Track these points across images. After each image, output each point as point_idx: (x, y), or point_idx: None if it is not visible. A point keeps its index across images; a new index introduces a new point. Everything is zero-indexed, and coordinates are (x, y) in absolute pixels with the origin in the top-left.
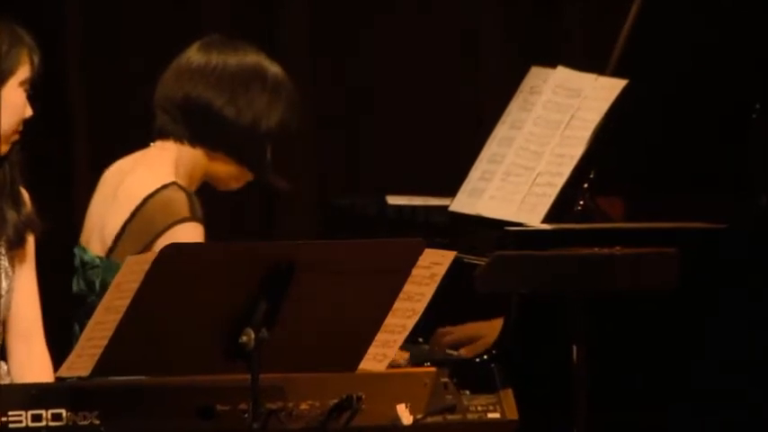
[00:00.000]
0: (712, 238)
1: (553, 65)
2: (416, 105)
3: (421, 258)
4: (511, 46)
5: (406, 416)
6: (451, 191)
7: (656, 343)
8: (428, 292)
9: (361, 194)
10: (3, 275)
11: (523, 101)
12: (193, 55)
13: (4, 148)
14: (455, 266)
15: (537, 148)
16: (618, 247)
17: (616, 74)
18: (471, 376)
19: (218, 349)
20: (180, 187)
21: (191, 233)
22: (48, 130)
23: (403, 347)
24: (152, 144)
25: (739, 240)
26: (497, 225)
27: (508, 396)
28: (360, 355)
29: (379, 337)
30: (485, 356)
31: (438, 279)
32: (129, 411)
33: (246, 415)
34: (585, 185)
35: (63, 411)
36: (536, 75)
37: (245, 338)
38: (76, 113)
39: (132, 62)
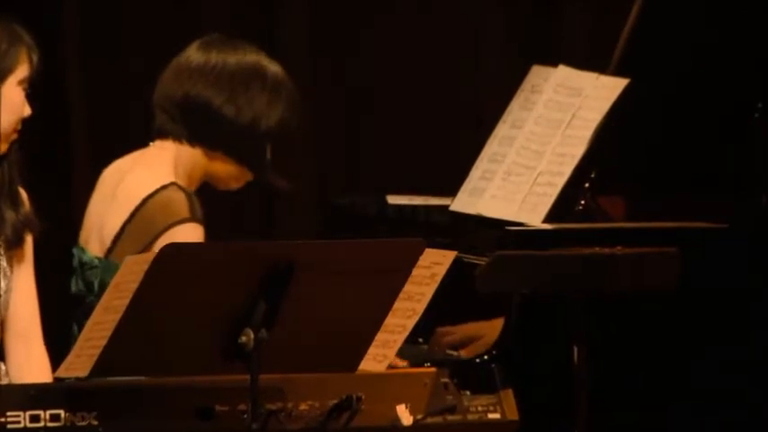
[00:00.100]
0: (713, 237)
1: (553, 65)
2: (416, 105)
3: (421, 258)
4: (511, 46)
5: (406, 416)
6: (452, 190)
7: (657, 343)
8: (428, 291)
9: (361, 194)
10: (1, 275)
11: (524, 100)
12: (193, 54)
13: (3, 148)
14: (455, 266)
15: (538, 147)
16: (619, 247)
17: (617, 74)
18: (472, 376)
19: (218, 349)
20: (179, 187)
21: (190, 234)
22: (47, 130)
23: (403, 348)
24: (151, 143)
25: (739, 240)
26: (498, 225)
27: (508, 396)
28: (360, 356)
29: (379, 337)
30: (485, 357)
31: (438, 279)
32: (127, 412)
33: (246, 415)
34: (587, 185)
35: (61, 412)
36: (537, 73)
37: (244, 339)
38: (76, 113)
39: (132, 62)
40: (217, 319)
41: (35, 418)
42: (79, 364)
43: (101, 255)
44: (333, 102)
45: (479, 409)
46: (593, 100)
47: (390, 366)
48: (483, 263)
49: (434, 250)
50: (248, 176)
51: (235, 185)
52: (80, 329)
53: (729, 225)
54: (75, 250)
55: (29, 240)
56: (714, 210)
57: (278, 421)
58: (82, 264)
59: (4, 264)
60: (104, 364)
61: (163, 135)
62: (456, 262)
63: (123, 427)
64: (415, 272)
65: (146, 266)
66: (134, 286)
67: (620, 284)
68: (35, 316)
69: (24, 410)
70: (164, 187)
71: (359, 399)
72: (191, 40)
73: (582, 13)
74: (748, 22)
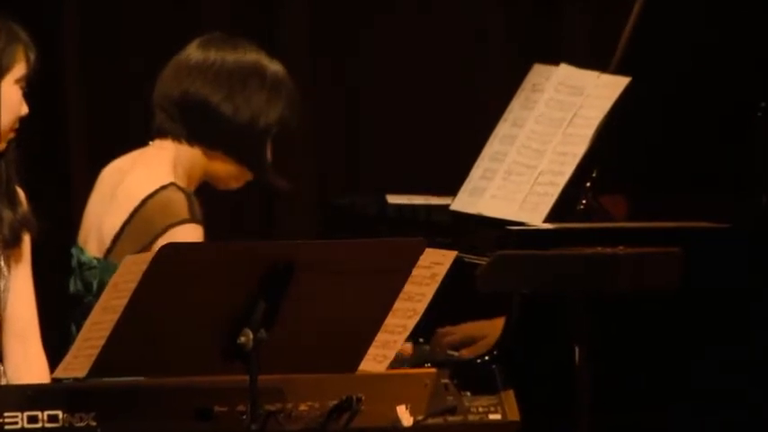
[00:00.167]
0: (715, 237)
1: (554, 64)
2: (416, 105)
3: (422, 258)
4: (511, 46)
5: (406, 417)
6: (452, 190)
7: (658, 343)
8: (429, 292)
9: (361, 194)
10: None
11: (525, 99)
12: (192, 52)
13: (1, 146)
14: (456, 266)
15: (539, 146)
16: (621, 247)
17: (618, 74)
18: (472, 377)
19: (217, 350)
20: (179, 188)
21: (190, 234)
22: (46, 129)
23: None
24: (150, 143)
25: (740, 240)
26: (499, 224)
27: (509, 397)
28: (360, 356)
29: (380, 337)
30: (486, 357)
31: (439, 279)
32: (126, 413)
33: (245, 416)
34: (588, 184)
35: (59, 413)
36: (538, 72)
37: (243, 339)
38: (75, 112)
39: (132, 62)
40: (216, 320)
41: (33, 419)
42: (77, 364)
43: (99, 255)
44: (333, 102)
45: (480, 409)
46: (594, 99)
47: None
48: (484, 263)
49: (435, 250)
50: (248, 176)
51: (234, 185)
52: (78, 330)
53: (731, 225)
54: (73, 250)
55: (27, 240)
56: (714, 209)
57: (277, 422)
58: (80, 264)
59: (2, 264)
60: (103, 364)
61: (162, 134)
62: (456, 262)
63: (122, 427)
64: (415, 272)
65: (144, 266)
66: (132, 286)
67: (622, 284)
68: (33, 316)
69: (22, 411)
70: (163, 188)
71: (359, 399)
72: (191, 39)
73: (582, 13)
74: (748, 22)
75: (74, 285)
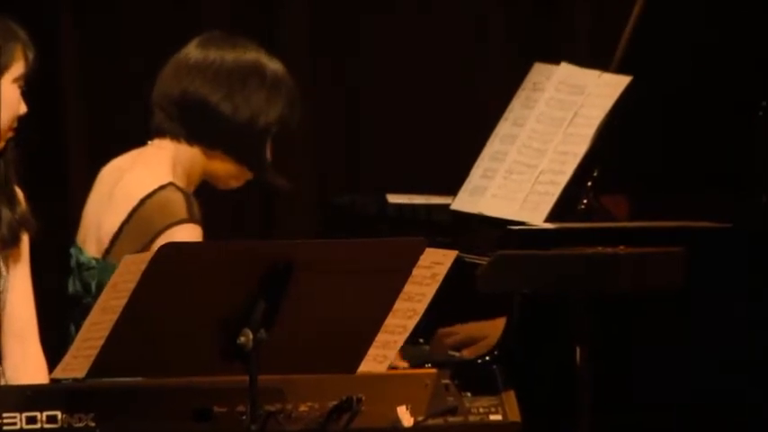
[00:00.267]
0: (716, 237)
1: (554, 63)
2: (416, 105)
3: (422, 258)
4: (511, 45)
5: (406, 418)
6: (453, 189)
7: (658, 343)
8: (429, 292)
9: (361, 194)
10: None
11: (526, 98)
12: (191, 51)
13: None
14: (457, 266)
15: (540, 145)
16: (622, 247)
17: (619, 73)
18: (473, 378)
19: (216, 350)
20: (177, 188)
21: (188, 234)
22: (44, 129)
23: (403, 349)
24: (149, 142)
25: (740, 240)
26: (499, 224)
27: (510, 398)
28: (360, 357)
29: (380, 337)
30: (487, 357)
31: (439, 279)
32: (125, 413)
33: (244, 417)
34: (589, 184)
35: (58, 413)
36: (539, 71)
37: (243, 339)
38: (73, 112)
39: (132, 62)
40: (215, 320)
41: (32, 420)
42: (76, 364)
43: (98, 255)
44: (333, 102)
45: (481, 410)
46: (595, 98)
47: (391, 367)
48: (484, 262)
49: (435, 250)
50: (248, 175)
51: (235, 184)
52: (77, 330)
53: (732, 225)
54: (72, 250)
55: (25, 240)
56: (715, 209)
57: (277, 423)
58: (79, 264)
59: (1, 264)
60: (102, 364)
61: (161, 134)
62: (457, 262)
63: (121, 428)
64: (415, 272)
65: (143, 266)
66: (131, 286)
67: (623, 284)
68: (32, 316)
69: (21, 412)
70: (162, 187)
71: (359, 400)
72: (191, 39)
73: (582, 14)
74: (748, 22)
75: (73, 286)
